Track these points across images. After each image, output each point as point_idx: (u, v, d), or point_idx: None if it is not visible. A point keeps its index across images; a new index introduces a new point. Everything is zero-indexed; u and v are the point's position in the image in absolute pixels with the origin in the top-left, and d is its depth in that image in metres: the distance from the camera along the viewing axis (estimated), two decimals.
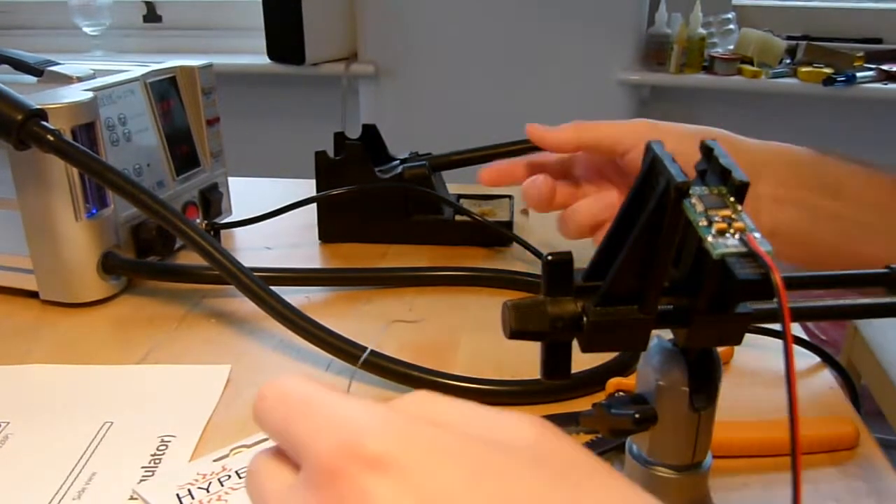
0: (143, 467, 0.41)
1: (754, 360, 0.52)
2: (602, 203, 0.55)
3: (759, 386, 0.50)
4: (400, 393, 0.48)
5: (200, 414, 0.46)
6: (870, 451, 0.43)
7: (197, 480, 0.40)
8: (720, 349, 0.34)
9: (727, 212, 0.26)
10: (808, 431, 0.42)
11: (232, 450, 0.42)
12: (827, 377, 0.51)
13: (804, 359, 0.52)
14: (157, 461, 0.42)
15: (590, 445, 0.43)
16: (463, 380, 0.48)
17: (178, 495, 0.39)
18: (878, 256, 0.37)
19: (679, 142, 0.42)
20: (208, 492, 0.39)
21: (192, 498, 0.38)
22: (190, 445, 0.43)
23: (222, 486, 0.39)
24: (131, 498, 0.39)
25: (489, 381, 0.48)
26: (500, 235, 0.71)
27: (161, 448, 0.43)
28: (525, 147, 0.61)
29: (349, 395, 0.23)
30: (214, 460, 0.41)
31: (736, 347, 0.52)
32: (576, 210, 0.56)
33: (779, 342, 0.53)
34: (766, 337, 0.52)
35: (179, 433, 0.44)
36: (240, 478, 0.39)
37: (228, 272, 0.52)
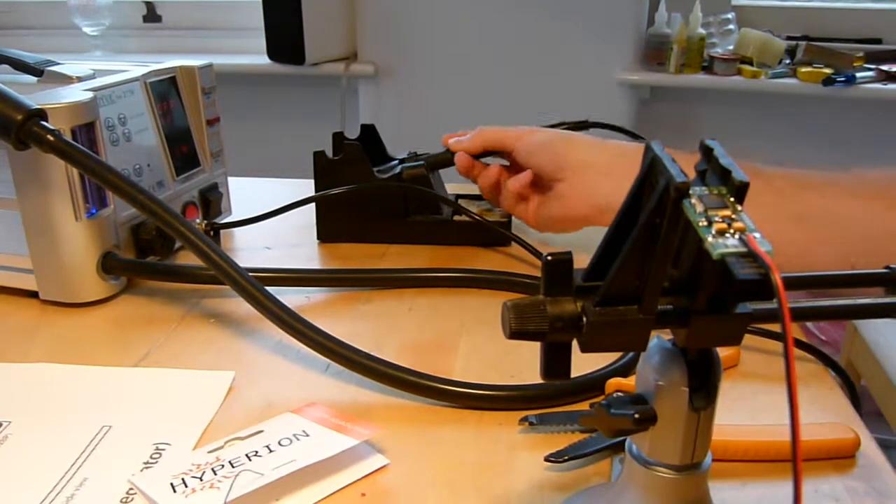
0: (133, 475, 0.41)
1: (753, 362, 0.52)
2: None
3: (758, 388, 0.50)
4: (399, 397, 0.48)
5: (198, 422, 0.46)
6: (870, 452, 0.43)
7: (191, 470, 0.40)
8: (726, 353, 0.34)
9: (727, 212, 0.26)
10: (808, 439, 0.42)
11: (226, 441, 0.43)
12: (827, 378, 0.51)
13: (803, 360, 0.52)
14: (148, 468, 0.42)
15: (586, 444, 0.43)
16: (460, 385, 0.48)
17: (171, 484, 0.39)
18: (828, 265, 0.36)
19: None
20: (201, 480, 0.39)
21: (186, 486, 0.39)
22: (184, 454, 0.43)
23: (215, 475, 0.40)
24: None
25: (485, 387, 0.48)
26: (498, 235, 0.71)
27: (154, 456, 0.43)
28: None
29: None
30: (209, 451, 0.42)
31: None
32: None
33: (778, 345, 0.53)
34: (765, 339, 0.52)
35: (174, 441, 0.44)
36: (233, 467, 0.40)
37: (225, 273, 0.52)
